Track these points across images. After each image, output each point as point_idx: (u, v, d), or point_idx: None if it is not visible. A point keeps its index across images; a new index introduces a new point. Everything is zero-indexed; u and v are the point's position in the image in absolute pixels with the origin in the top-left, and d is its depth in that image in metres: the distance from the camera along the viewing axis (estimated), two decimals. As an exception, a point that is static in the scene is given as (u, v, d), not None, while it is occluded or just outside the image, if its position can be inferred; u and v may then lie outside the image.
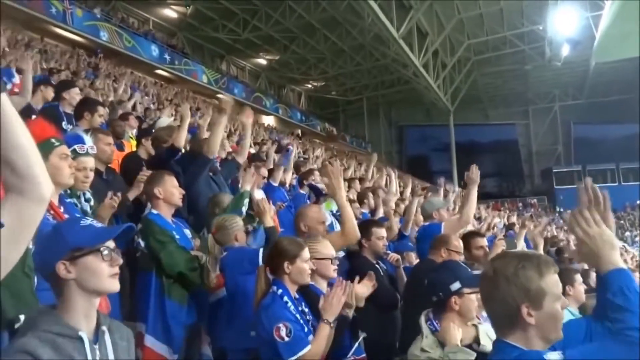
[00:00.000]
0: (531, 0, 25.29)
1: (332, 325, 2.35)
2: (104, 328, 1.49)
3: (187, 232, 3.45)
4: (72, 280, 1.44)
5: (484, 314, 2.97)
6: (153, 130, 5.17)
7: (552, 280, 1.45)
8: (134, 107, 9.75)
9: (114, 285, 1.50)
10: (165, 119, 7.26)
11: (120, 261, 1.53)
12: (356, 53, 32.80)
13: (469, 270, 2.56)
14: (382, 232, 3.74)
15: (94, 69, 14.72)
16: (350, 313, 2.54)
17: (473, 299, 2.35)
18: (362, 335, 2.60)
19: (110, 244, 1.51)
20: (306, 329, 2.40)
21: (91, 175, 2.97)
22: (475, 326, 2.34)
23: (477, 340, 2.27)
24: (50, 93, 4.88)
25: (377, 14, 20.44)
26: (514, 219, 15.54)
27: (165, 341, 3.15)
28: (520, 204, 41.53)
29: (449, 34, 28.64)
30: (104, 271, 1.47)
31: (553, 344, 1.47)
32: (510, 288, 1.43)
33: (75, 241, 1.46)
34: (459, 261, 3.38)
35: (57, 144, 2.50)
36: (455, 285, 2.32)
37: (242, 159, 4.76)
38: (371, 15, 21.61)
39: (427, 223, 4.68)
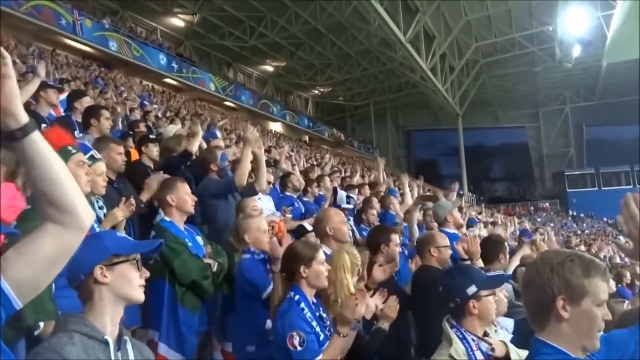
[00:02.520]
0: (540, 0, 25.19)
1: (344, 336, 2.34)
2: (126, 338, 1.56)
3: (199, 239, 3.45)
4: (105, 285, 1.52)
5: (500, 319, 2.95)
6: (152, 137, 5.13)
7: (597, 284, 1.41)
8: (145, 116, 9.81)
9: (142, 295, 1.59)
10: (173, 127, 7.29)
11: (148, 274, 1.61)
12: (363, 58, 32.83)
13: (483, 272, 2.49)
14: (398, 238, 3.73)
15: (105, 83, 14.77)
16: (387, 326, 2.55)
17: (491, 301, 2.30)
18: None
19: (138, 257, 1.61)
20: (322, 337, 2.39)
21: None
22: (505, 343, 2.28)
23: (507, 356, 2.21)
24: (51, 95, 4.83)
25: (384, 18, 20.41)
26: (526, 224, 15.40)
27: (178, 349, 3.15)
28: (532, 208, 41.19)
29: (457, 37, 28.57)
30: (136, 280, 1.56)
31: (589, 352, 1.43)
32: (552, 277, 1.41)
33: (115, 248, 1.55)
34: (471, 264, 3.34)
35: (74, 151, 2.54)
36: (472, 289, 2.25)
37: (260, 188, 4.60)
38: (377, 19, 21.59)
39: (444, 230, 4.60)
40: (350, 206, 5.43)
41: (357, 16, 25.77)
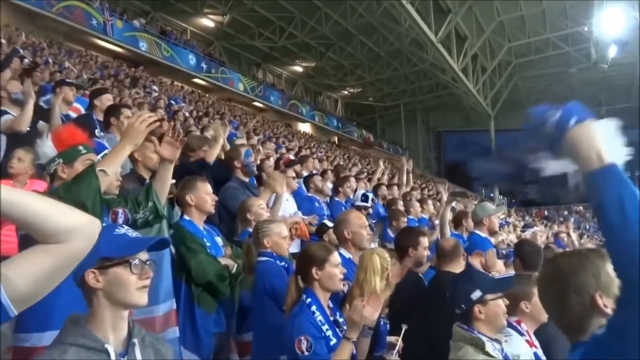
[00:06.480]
0: (575, 0, 24.56)
1: (353, 341, 2.29)
2: (135, 341, 1.45)
3: (219, 239, 3.41)
4: (100, 290, 1.42)
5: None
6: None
7: None
8: (174, 115, 9.88)
9: (142, 299, 1.47)
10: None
11: (151, 274, 1.49)
12: (393, 58, 32.58)
13: (489, 275, 2.44)
14: (427, 241, 3.66)
15: (133, 84, 14.93)
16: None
17: (499, 304, 2.23)
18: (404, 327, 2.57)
19: (143, 255, 1.48)
20: (334, 341, 2.35)
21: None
22: None
23: None
24: (68, 92, 4.82)
25: (415, 19, 20.21)
26: (555, 227, 14.93)
27: (194, 350, 3.10)
28: (566, 212, 40.12)
29: (489, 37, 28.10)
30: (132, 284, 1.44)
31: None
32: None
33: (106, 250, 1.41)
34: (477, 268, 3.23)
35: (84, 151, 2.54)
36: (477, 294, 2.21)
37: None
38: (408, 19, 21.39)
39: (476, 232, 4.49)
40: (367, 204, 5.28)
41: (387, 17, 25.57)
